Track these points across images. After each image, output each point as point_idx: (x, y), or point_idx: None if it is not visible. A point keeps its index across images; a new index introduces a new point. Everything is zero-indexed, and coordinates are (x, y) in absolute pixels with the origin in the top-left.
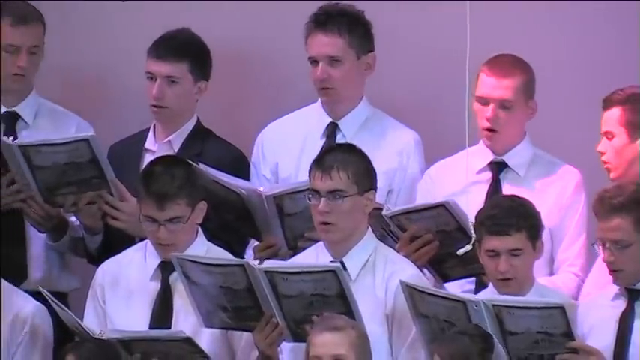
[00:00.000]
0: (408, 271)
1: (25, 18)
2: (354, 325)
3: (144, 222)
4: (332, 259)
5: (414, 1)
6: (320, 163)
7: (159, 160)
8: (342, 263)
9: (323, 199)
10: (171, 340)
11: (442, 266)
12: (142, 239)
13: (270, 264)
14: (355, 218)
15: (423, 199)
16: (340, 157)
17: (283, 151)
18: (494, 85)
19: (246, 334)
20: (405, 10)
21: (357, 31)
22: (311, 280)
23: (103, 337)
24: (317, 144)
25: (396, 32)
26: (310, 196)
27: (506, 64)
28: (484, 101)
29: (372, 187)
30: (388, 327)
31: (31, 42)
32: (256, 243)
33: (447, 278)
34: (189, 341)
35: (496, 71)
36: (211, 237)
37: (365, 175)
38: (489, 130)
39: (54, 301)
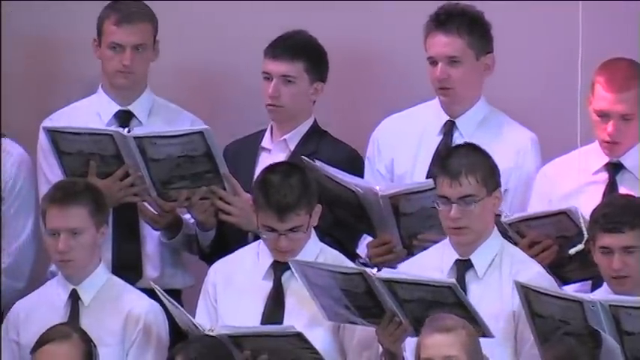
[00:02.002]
0: (534, 269)
1: (130, 16)
2: (465, 326)
3: (263, 231)
4: (458, 258)
5: (527, 0)
6: (446, 169)
7: (274, 168)
8: (469, 261)
9: (454, 205)
10: (282, 335)
11: (562, 270)
12: (256, 236)
13: (387, 274)
14: (485, 218)
15: (538, 198)
16: (465, 160)
17: (399, 147)
18: (614, 101)
19: (358, 333)
20: (519, 9)
21: (477, 31)
22: (429, 291)
23: (214, 334)
24: (434, 141)
25: (509, 32)
26: (439, 202)
27: (622, 75)
28: (603, 115)
29: (498, 184)
30: (514, 325)
31: (136, 40)
32: (370, 239)
33: (567, 282)
34: (299, 337)
35: (613, 86)
36: (323, 234)
37: (491, 174)
38: (610, 142)
39: (166, 298)
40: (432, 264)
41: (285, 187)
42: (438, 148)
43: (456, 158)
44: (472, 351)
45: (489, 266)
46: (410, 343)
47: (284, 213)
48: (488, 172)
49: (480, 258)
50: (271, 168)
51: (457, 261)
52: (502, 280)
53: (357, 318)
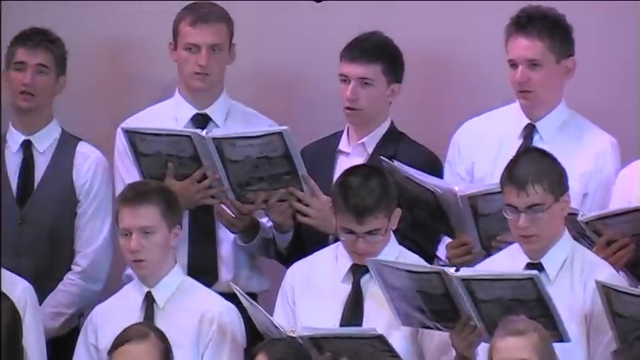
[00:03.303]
0: (605, 271)
1: (206, 17)
2: (537, 328)
3: (341, 233)
4: (529, 261)
5: (607, 0)
6: (513, 178)
7: (354, 171)
8: (540, 265)
9: (522, 214)
10: (363, 337)
11: (638, 268)
12: (336, 238)
13: (466, 272)
14: (554, 225)
15: (618, 200)
16: (532, 168)
17: (480, 151)
18: None
19: (437, 337)
20: (598, 9)
21: (558, 34)
22: (509, 287)
23: (295, 335)
24: (514, 145)
25: (589, 33)
26: (508, 210)
27: None
28: None
29: (566, 189)
30: (586, 327)
31: (212, 40)
32: (449, 240)
33: None
34: (381, 339)
35: None
36: (401, 237)
37: (558, 180)
38: None
39: (246, 298)
40: (503, 267)
41: (364, 190)
42: (510, 161)
43: (523, 167)
44: (544, 354)
45: (560, 269)
46: (483, 348)
47: (363, 215)
48: (556, 179)
49: (550, 261)
50: (351, 170)
51: (528, 264)
52: (573, 282)
53: (432, 322)
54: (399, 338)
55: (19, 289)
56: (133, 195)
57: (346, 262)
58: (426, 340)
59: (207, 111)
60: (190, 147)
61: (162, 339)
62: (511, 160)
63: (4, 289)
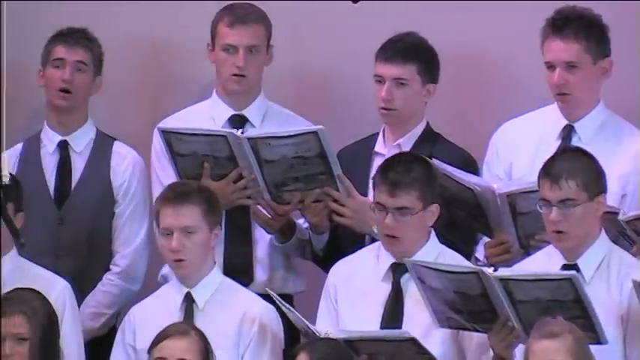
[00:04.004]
0: None
1: (243, 18)
2: (572, 330)
3: (375, 212)
4: (565, 263)
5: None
6: (548, 172)
7: (400, 154)
8: (576, 266)
9: (554, 208)
10: (396, 340)
11: None
12: (373, 239)
13: (504, 272)
14: (587, 224)
15: None
16: (568, 164)
17: (518, 152)
18: None
19: (476, 337)
20: (632, 9)
21: (594, 36)
22: (546, 288)
23: (330, 337)
24: (552, 146)
25: (624, 33)
26: (541, 204)
27: None
28: None
29: (602, 190)
30: (623, 329)
31: (249, 41)
32: (486, 239)
33: None
34: (414, 342)
35: None
36: (439, 237)
37: (594, 179)
38: None
39: (280, 302)
40: (539, 268)
41: (403, 166)
42: (549, 157)
43: (559, 162)
44: (580, 356)
45: (596, 270)
46: (520, 349)
47: (396, 188)
48: (591, 177)
49: (586, 262)
50: (398, 154)
51: (564, 266)
52: (610, 283)
53: (469, 323)
54: (438, 338)
55: (57, 289)
56: (175, 195)
57: (387, 261)
58: (466, 340)
59: (245, 112)
60: (226, 147)
61: (202, 338)
62: (550, 156)
63: (42, 289)
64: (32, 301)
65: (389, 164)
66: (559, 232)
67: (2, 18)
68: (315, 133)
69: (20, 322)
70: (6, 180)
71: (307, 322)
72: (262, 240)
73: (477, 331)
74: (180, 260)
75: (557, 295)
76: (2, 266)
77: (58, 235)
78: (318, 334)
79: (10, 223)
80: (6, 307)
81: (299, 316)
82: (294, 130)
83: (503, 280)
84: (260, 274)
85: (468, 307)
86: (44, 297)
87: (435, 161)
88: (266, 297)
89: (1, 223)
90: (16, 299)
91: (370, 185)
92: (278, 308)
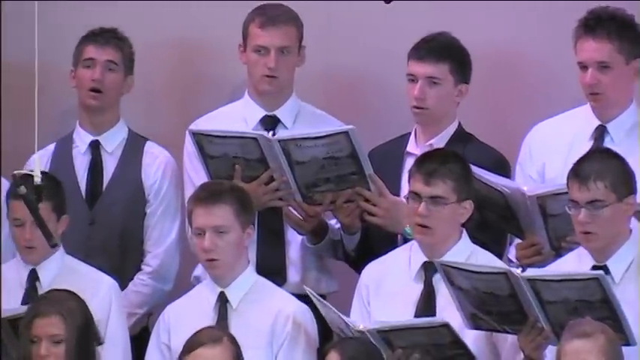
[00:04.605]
0: None
1: (274, 19)
2: (604, 330)
3: (409, 201)
4: (594, 264)
5: None
6: (577, 173)
7: (437, 149)
8: (606, 267)
9: (583, 209)
10: (429, 327)
11: None
12: (405, 239)
13: (532, 272)
14: (616, 225)
15: None
16: (597, 166)
17: (551, 152)
18: None
19: (511, 336)
20: None
21: (627, 35)
22: (574, 288)
23: (364, 330)
24: (584, 146)
25: None
26: (570, 205)
27: None
28: None
29: (632, 191)
30: None
31: (281, 42)
32: (518, 241)
33: None
34: (447, 328)
35: None
36: (470, 237)
37: (623, 181)
38: None
39: (316, 297)
40: (570, 270)
41: (439, 157)
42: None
43: (588, 163)
44: (612, 356)
45: (626, 271)
46: (551, 351)
47: (431, 176)
48: (620, 179)
49: (616, 264)
50: (436, 149)
51: (594, 267)
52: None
53: (499, 325)
54: (472, 337)
55: (104, 287)
56: (207, 195)
57: (418, 261)
58: (501, 339)
59: (277, 113)
60: (257, 149)
61: (234, 342)
62: (579, 158)
63: (90, 287)
64: (68, 302)
65: (426, 156)
66: (587, 232)
67: (2, 18)
68: (346, 133)
69: (56, 323)
70: (38, 180)
71: (342, 316)
72: (295, 241)
73: (507, 332)
74: (213, 260)
75: (584, 296)
76: (51, 265)
77: (90, 235)
78: (353, 327)
79: (42, 223)
80: (42, 308)
81: (334, 310)
82: (324, 131)
83: (531, 280)
84: (293, 275)
85: (498, 307)
86: (80, 298)
87: None
88: (300, 297)
89: (40, 222)
90: (52, 300)
91: (402, 185)
92: (312, 308)
